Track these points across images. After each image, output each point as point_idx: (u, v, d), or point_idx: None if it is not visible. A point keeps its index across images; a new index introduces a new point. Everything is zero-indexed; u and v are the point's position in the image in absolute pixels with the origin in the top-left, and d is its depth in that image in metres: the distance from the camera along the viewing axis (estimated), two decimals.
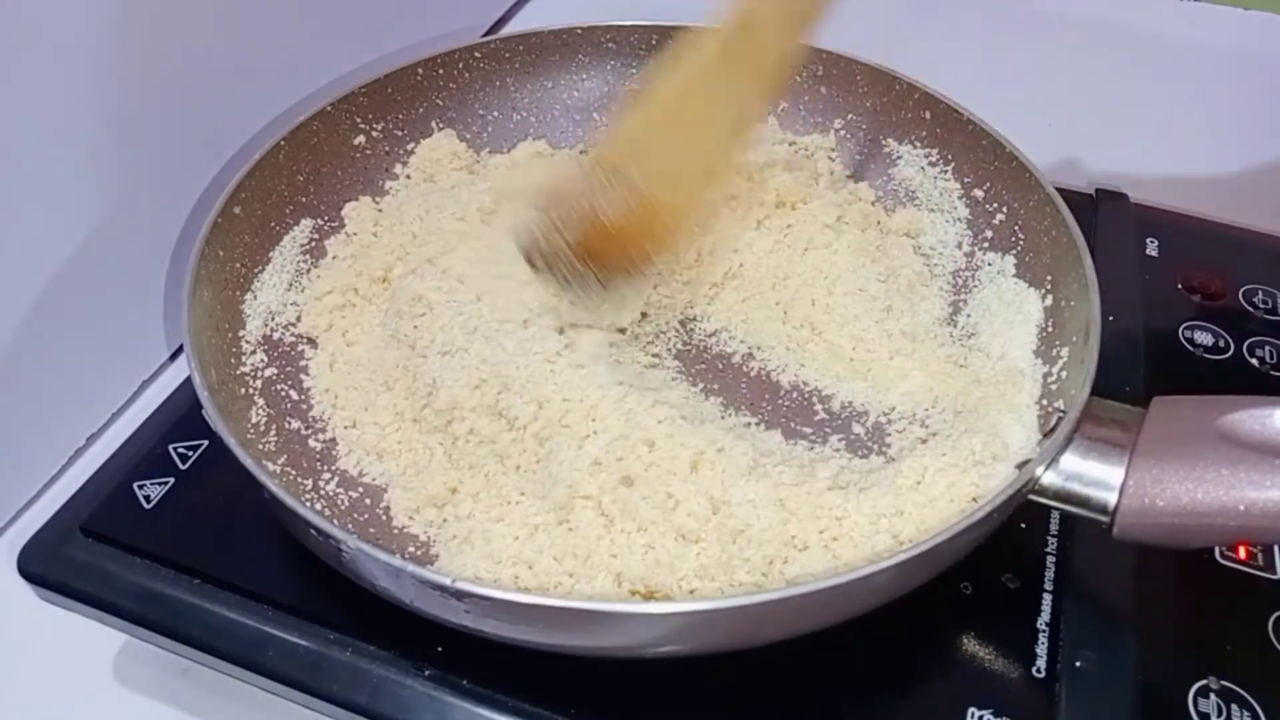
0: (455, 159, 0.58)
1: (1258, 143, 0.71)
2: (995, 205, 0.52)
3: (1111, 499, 0.37)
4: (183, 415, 0.49)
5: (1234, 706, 0.39)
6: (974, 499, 0.39)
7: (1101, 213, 0.60)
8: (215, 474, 0.46)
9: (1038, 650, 0.40)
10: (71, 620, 0.43)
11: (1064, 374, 0.43)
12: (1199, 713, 0.39)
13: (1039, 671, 0.40)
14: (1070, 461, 0.38)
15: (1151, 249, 0.58)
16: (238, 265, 0.50)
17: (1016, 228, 0.51)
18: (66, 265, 0.50)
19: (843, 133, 0.59)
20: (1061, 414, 0.40)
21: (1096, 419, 0.39)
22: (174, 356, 0.58)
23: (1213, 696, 0.40)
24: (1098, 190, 0.62)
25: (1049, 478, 0.38)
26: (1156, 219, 0.61)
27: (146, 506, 0.45)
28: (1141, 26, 0.81)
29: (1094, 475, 0.38)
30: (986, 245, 0.52)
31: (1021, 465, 0.40)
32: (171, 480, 0.46)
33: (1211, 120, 0.74)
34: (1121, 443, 0.38)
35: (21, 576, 0.43)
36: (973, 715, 0.39)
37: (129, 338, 0.55)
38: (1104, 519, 0.38)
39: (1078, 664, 0.39)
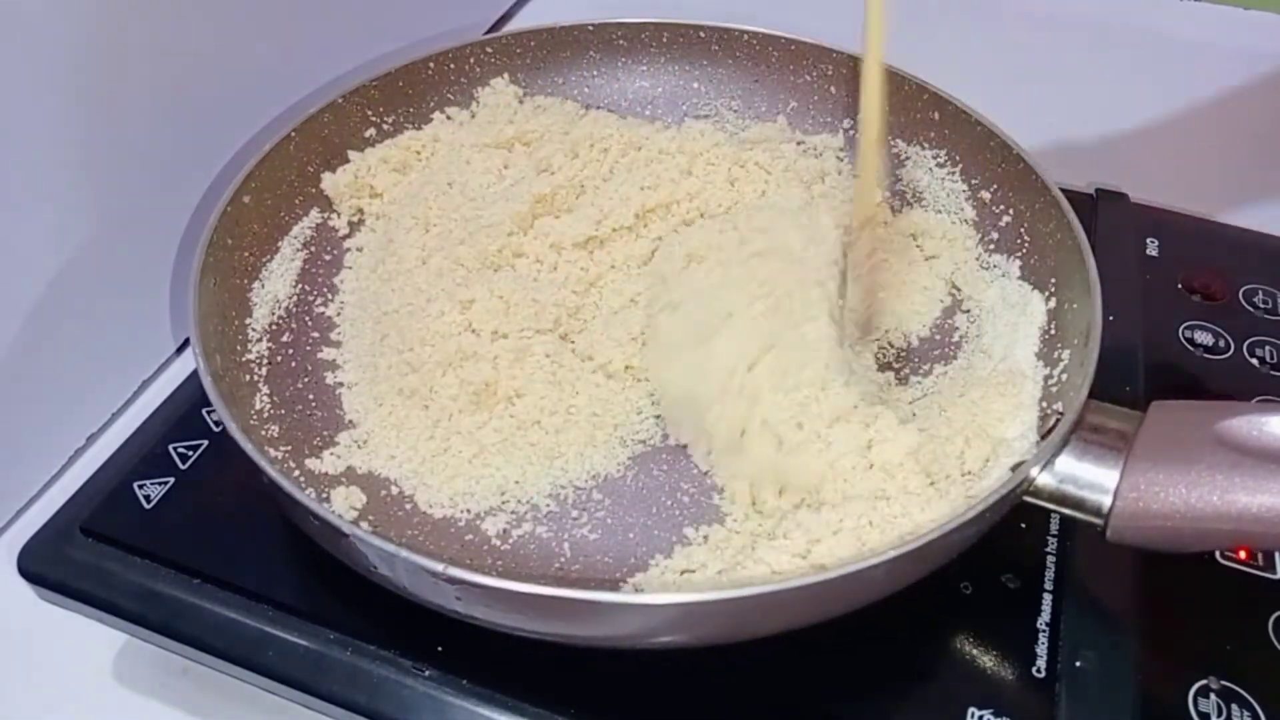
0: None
1: (1258, 143, 0.71)
2: (1002, 208, 0.52)
3: (1106, 502, 0.37)
4: (183, 415, 0.49)
5: (1234, 706, 0.39)
6: (968, 497, 0.39)
7: (1101, 212, 0.60)
8: (215, 474, 0.46)
9: (1038, 650, 0.40)
10: (71, 620, 0.43)
11: (1064, 376, 0.43)
12: (1199, 713, 0.39)
13: (1039, 671, 0.40)
14: (1066, 463, 0.38)
15: (1152, 249, 0.58)
16: (246, 254, 0.50)
17: (1022, 230, 0.51)
18: (68, 264, 0.50)
19: (852, 133, 0.59)
20: (1059, 415, 0.40)
21: (1094, 422, 0.39)
22: (179, 351, 0.58)
23: (1213, 696, 0.40)
24: (1098, 190, 0.62)
25: (1044, 479, 0.38)
26: (1157, 219, 0.61)
27: (147, 506, 0.45)
28: (1142, 26, 0.81)
29: (1089, 478, 0.38)
30: (992, 247, 0.52)
31: (1016, 466, 0.39)
32: (172, 480, 0.46)
33: (1212, 120, 0.74)
34: (1118, 446, 0.38)
35: (21, 576, 0.43)
36: (972, 715, 0.39)
37: (130, 337, 0.55)
38: (1098, 522, 0.38)
39: (1078, 664, 0.39)
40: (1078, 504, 0.38)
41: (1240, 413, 0.37)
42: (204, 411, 0.48)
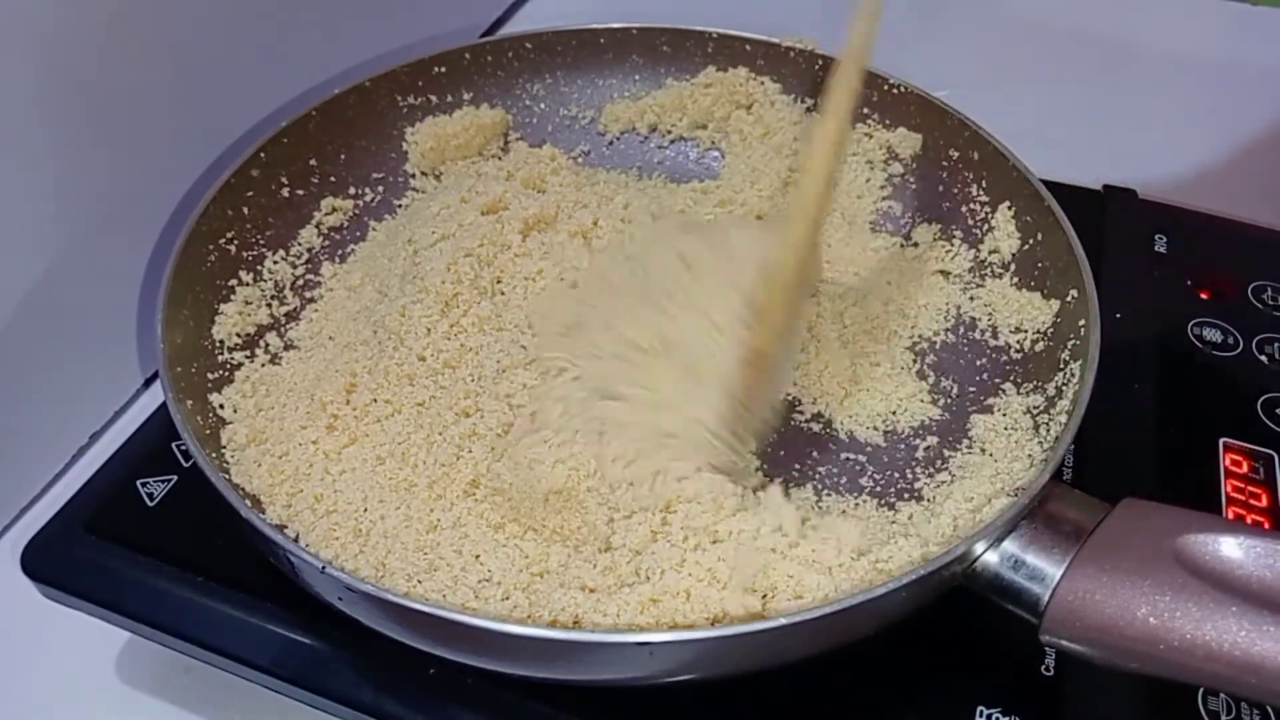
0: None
1: (1268, 139, 0.70)
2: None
3: (1043, 597, 0.35)
4: None
5: (1242, 705, 0.39)
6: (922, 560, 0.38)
7: (1110, 209, 0.60)
8: None
9: (1047, 648, 0.40)
10: (75, 618, 0.43)
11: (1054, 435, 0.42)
12: (1208, 711, 0.39)
13: (1048, 670, 0.40)
14: (1012, 547, 0.36)
15: (1160, 245, 0.58)
16: (244, 251, 0.51)
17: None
18: (69, 261, 0.50)
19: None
20: (1012, 497, 0.38)
21: (1052, 509, 0.37)
22: None
23: (1222, 695, 0.39)
24: (1106, 187, 0.61)
25: (988, 559, 0.36)
26: (1166, 215, 0.60)
27: (150, 504, 0.45)
28: (1150, 22, 0.81)
29: (1032, 567, 0.36)
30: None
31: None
32: (174, 478, 0.46)
33: (1221, 117, 0.73)
34: (1070, 539, 0.36)
35: (25, 575, 0.43)
36: (981, 713, 0.38)
37: (133, 334, 0.55)
38: (1033, 620, 0.36)
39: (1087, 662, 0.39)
40: (1015, 595, 0.36)
41: (1205, 528, 0.34)
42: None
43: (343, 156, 0.55)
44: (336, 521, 0.40)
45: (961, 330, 0.50)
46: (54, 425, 0.52)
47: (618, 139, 0.61)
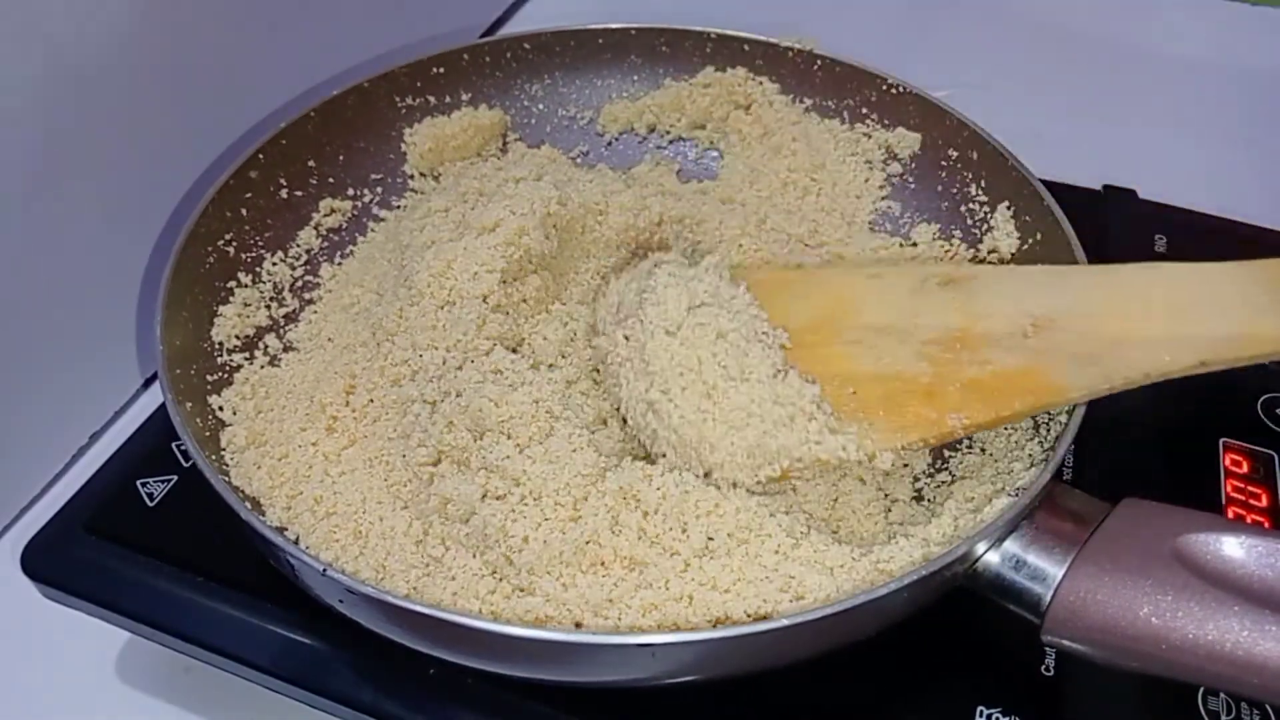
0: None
1: (1268, 139, 0.70)
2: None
3: (1045, 597, 0.35)
4: None
5: (1243, 705, 0.39)
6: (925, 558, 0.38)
7: (1110, 209, 0.60)
8: None
9: (1047, 648, 0.40)
10: (75, 618, 0.43)
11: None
12: (1208, 711, 0.39)
13: (1048, 670, 0.40)
14: (1013, 547, 0.36)
15: (1160, 245, 0.58)
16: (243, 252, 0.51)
17: None
18: (69, 261, 0.50)
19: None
20: (1018, 493, 0.38)
21: (1054, 508, 0.37)
22: None
23: (1222, 695, 0.39)
24: (1106, 186, 0.61)
25: (990, 559, 0.36)
26: (1165, 215, 0.60)
27: (150, 504, 0.45)
28: (1151, 22, 0.81)
29: (1033, 567, 0.36)
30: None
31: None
32: (174, 478, 0.46)
33: (1221, 117, 0.73)
34: (1072, 539, 0.36)
35: (25, 574, 0.43)
36: (981, 713, 0.38)
37: (133, 334, 0.55)
38: (1035, 619, 0.36)
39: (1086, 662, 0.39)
40: (1017, 595, 0.36)
41: (1204, 528, 0.35)
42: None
43: (341, 157, 0.55)
44: (336, 524, 0.40)
45: None
46: (54, 425, 0.52)
47: (616, 139, 0.61)
